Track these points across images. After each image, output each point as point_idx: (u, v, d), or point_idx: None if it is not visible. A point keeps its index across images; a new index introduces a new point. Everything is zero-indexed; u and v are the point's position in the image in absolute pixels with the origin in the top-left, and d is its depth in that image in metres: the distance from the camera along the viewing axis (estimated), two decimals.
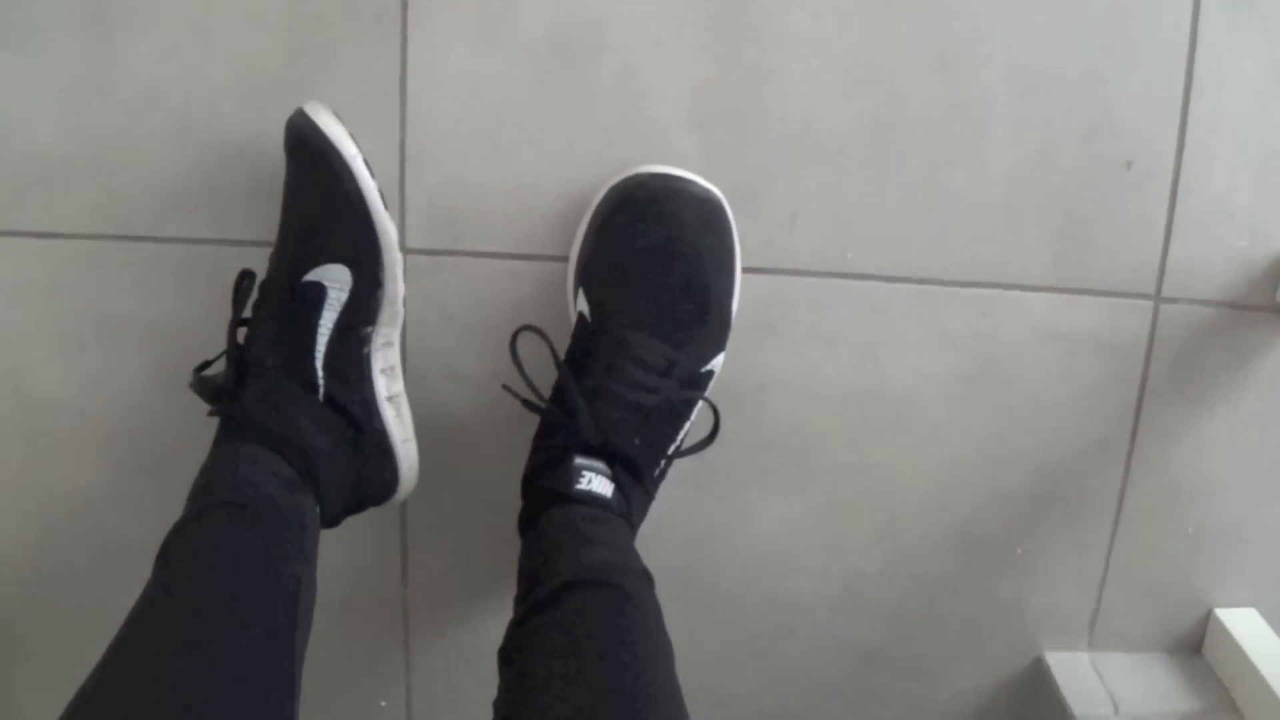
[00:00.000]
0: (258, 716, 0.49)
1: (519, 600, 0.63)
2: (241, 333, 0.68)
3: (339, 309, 0.67)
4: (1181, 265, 0.76)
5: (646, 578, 0.62)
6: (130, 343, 0.77)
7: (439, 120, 0.72)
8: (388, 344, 0.72)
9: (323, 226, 0.66)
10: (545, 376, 0.69)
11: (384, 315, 0.70)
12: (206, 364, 0.69)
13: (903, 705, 0.90)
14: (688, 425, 0.71)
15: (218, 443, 0.66)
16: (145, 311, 0.76)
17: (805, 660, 0.87)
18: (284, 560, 0.58)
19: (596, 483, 0.66)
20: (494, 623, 0.66)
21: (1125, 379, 0.79)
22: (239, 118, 0.72)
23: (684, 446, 0.70)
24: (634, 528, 0.69)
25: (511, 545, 0.69)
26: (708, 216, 0.68)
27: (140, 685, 0.47)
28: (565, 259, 0.73)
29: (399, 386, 0.73)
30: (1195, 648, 0.87)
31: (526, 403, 0.69)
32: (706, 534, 0.83)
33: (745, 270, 0.72)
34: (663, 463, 0.70)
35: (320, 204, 0.66)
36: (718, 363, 0.71)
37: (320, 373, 0.67)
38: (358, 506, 0.73)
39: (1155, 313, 0.77)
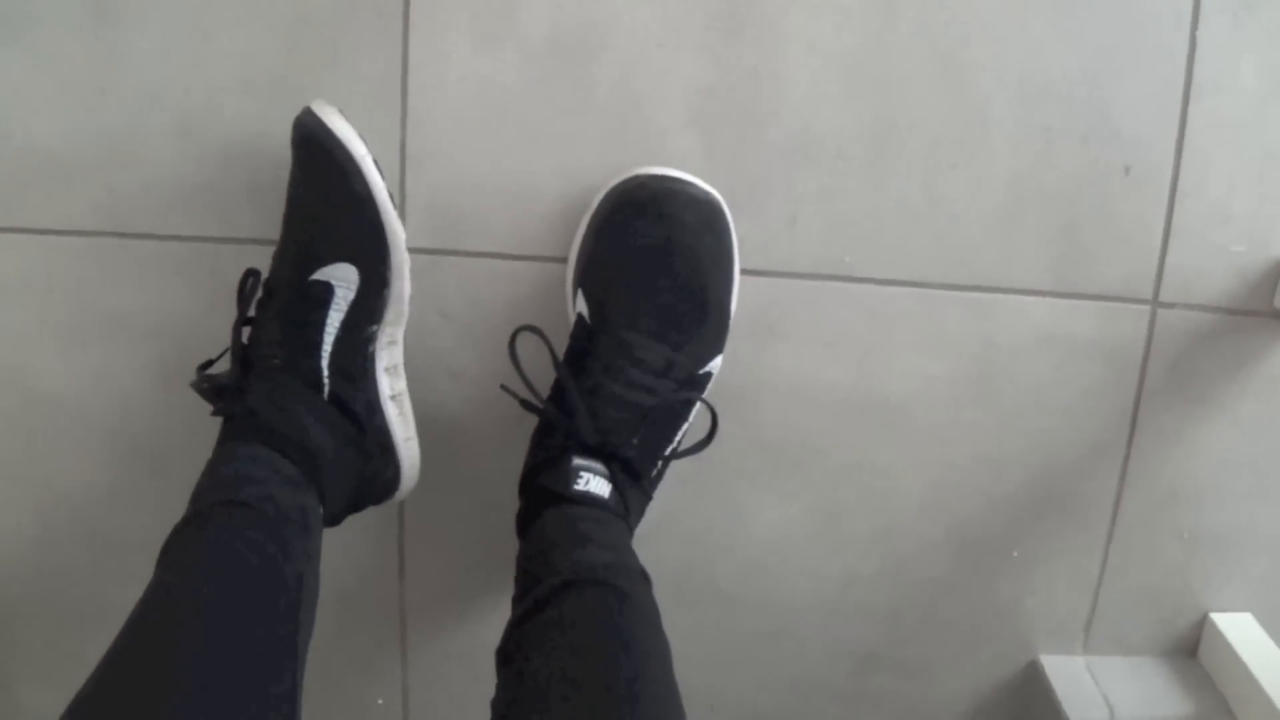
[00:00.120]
0: (260, 717, 0.49)
1: (517, 600, 0.63)
2: (245, 332, 0.68)
3: (345, 308, 0.67)
4: (1179, 270, 0.76)
5: (644, 578, 0.62)
6: (131, 340, 0.77)
7: (440, 120, 0.72)
8: (392, 342, 0.72)
9: (331, 226, 0.66)
10: (544, 377, 0.69)
11: (389, 314, 0.70)
12: (209, 363, 0.68)
13: (898, 707, 0.90)
14: (686, 426, 0.71)
15: (221, 441, 0.66)
16: (146, 309, 0.76)
17: (802, 661, 0.88)
18: (287, 560, 0.58)
19: (594, 483, 0.66)
20: (491, 621, 0.66)
21: (1122, 383, 0.79)
22: (240, 116, 0.72)
23: (682, 447, 0.70)
24: (631, 528, 0.69)
25: (509, 544, 0.70)
26: (707, 218, 0.69)
27: (142, 685, 0.47)
28: (565, 260, 0.73)
29: (402, 385, 0.74)
30: (1191, 652, 0.87)
31: (525, 403, 0.69)
32: (704, 535, 0.83)
33: (744, 272, 0.72)
34: (660, 464, 0.70)
35: (329, 203, 0.66)
36: (716, 364, 0.71)
37: (326, 371, 0.67)
38: (359, 505, 0.73)
39: (1153, 317, 0.77)
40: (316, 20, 0.70)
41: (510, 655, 0.57)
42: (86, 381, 0.78)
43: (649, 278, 0.68)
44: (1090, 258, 0.76)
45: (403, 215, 0.73)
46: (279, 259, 0.68)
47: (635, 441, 0.67)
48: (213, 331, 0.71)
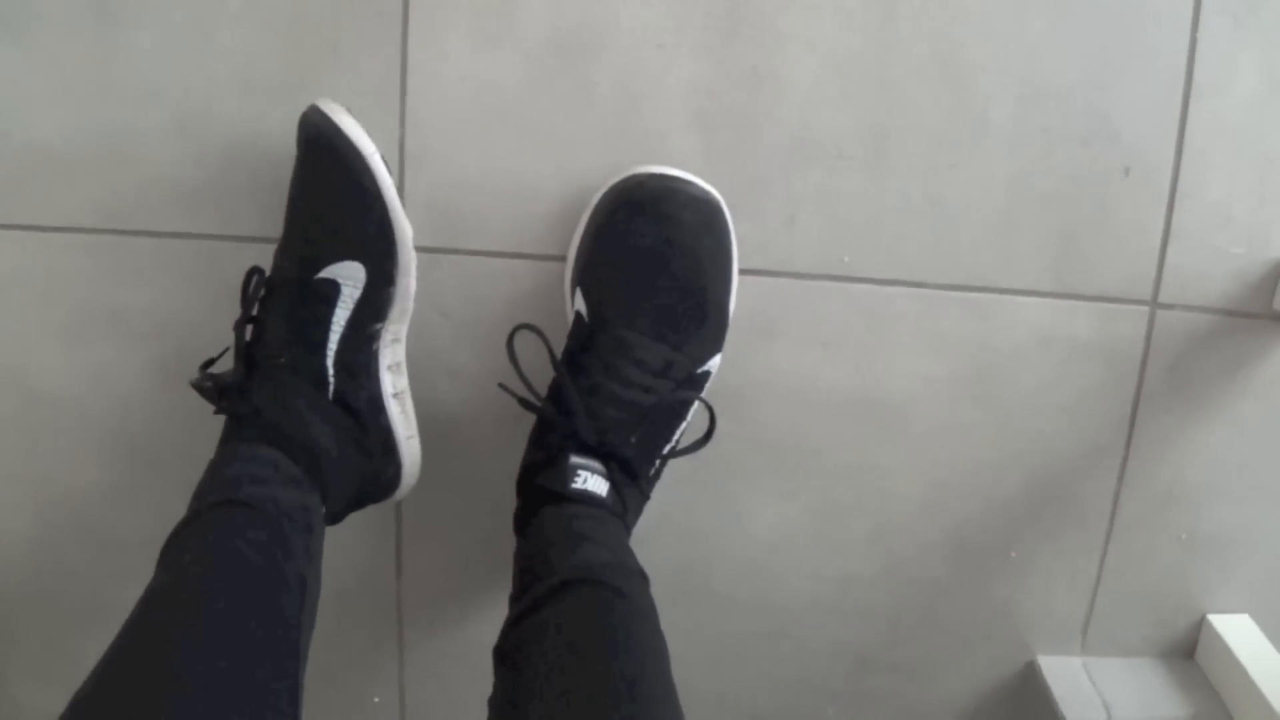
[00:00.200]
0: (260, 717, 0.49)
1: (514, 598, 0.63)
2: (248, 330, 0.68)
3: (352, 306, 0.67)
4: (1178, 272, 0.76)
5: (642, 577, 0.62)
6: (130, 338, 0.77)
7: (439, 119, 0.72)
8: (395, 340, 0.72)
9: (338, 223, 0.66)
10: (542, 375, 0.69)
11: (394, 311, 0.70)
12: (211, 361, 0.68)
13: (896, 707, 0.90)
14: (684, 426, 0.71)
15: (224, 441, 0.65)
16: (145, 307, 0.76)
17: (798, 662, 0.88)
18: (289, 560, 0.58)
19: (592, 482, 0.66)
20: (488, 620, 0.66)
21: (1121, 385, 0.79)
22: (240, 114, 0.72)
23: (680, 447, 0.70)
24: (629, 527, 0.69)
25: (506, 543, 0.70)
26: (706, 217, 0.69)
27: (142, 685, 0.47)
28: (564, 258, 0.73)
29: (404, 383, 0.74)
30: (1188, 653, 0.87)
31: (523, 401, 0.69)
32: (701, 535, 0.83)
33: (743, 272, 0.72)
34: (658, 463, 0.70)
35: (336, 201, 0.66)
36: (714, 364, 0.71)
37: (331, 370, 0.67)
38: (359, 503, 0.73)
39: (1151, 319, 0.77)
40: (316, 19, 0.70)
41: (507, 654, 0.57)
42: (85, 380, 0.78)
43: (648, 277, 0.68)
44: (1089, 259, 0.76)
45: None
46: (282, 256, 0.68)
47: (633, 440, 0.67)
48: (213, 330, 0.71)
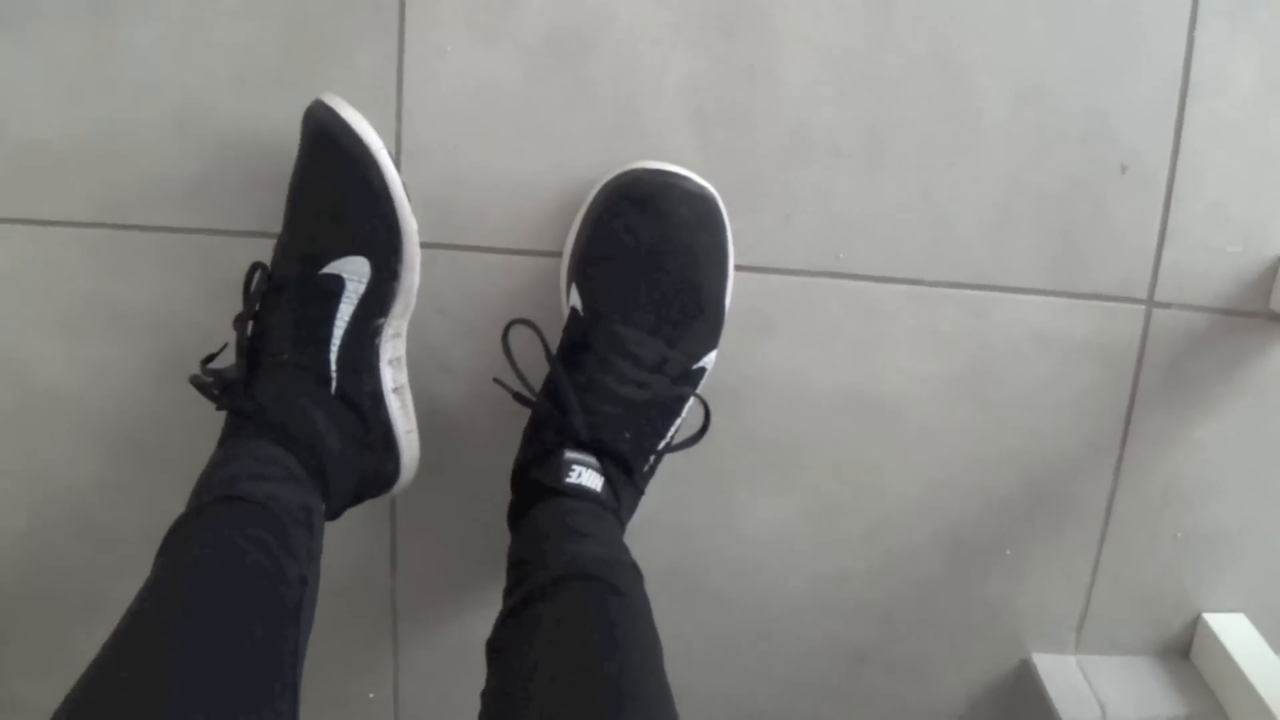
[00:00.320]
0: (259, 715, 0.49)
1: (508, 593, 0.63)
2: (249, 326, 0.67)
3: (355, 302, 0.67)
4: (1175, 270, 0.76)
5: (636, 572, 0.62)
6: (127, 333, 0.77)
7: (435, 115, 0.72)
8: (396, 335, 0.72)
9: (344, 219, 0.66)
10: (537, 371, 0.69)
11: (397, 307, 0.70)
12: (211, 357, 0.68)
13: (890, 705, 0.90)
14: (679, 422, 0.71)
15: (227, 437, 0.65)
16: (142, 302, 0.76)
17: (792, 659, 0.88)
18: (290, 558, 0.57)
19: (586, 477, 0.66)
20: (483, 615, 0.66)
21: (1117, 383, 0.79)
22: (237, 109, 0.72)
23: (674, 442, 0.70)
24: (623, 523, 0.69)
25: (501, 538, 0.70)
26: (702, 213, 0.69)
27: (139, 682, 0.47)
28: (560, 254, 0.73)
29: (404, 378, 0.74)
30: (1183, 652, 0.87)
31: (518, 396, 0.69)
32: (696, 532, 0.83)
33: (738, 268, 0.72)
34: (653, 459, 0.70)
35: (342, 196, 0.66)
36: (710, 360, 0.71)
37: (334, 366, 0.67)
38: (358, 498, 0.73)
39: (1148, 317, 0.77)
40: (313, 14, 0.70)
41: (501, 647, 0.57)
42: (84, 375, 0.78)
43: (643, 272, 0.68)
44: (1086, 257, 0.76)
45: None
46: (284, 252, 0.68)
47: (628, 436, 0.67)
48: (210, 324, 0.71)
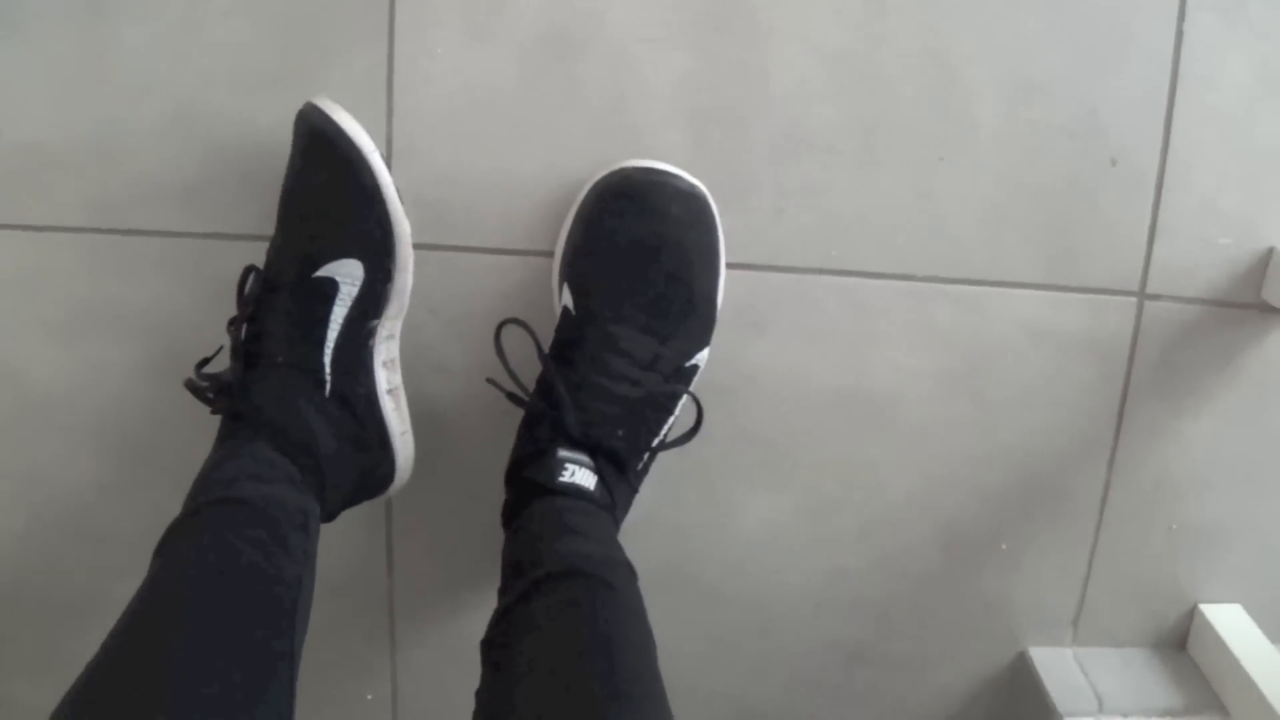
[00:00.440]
0: (256, 716, 0.49)
1: (502, 591, 0.63)
2: (244, 328, 0.67)
3: (349, 304, 0.67)
4: (1166, 263, 0.76)
5: (629, 570, 0.62)
6: (121, 336, 0.77)
7: (426, 115, 0.72)
8: (390, 336, 0.72)
9: (337, 221, 0.66)
10: (530, 370, 0.69)
11: (391, 308, 0.70)
12: (206, 360, 0.68)
13: (887, 701, 0.90)
14: (672, 420, 0.71)
15: (223, 439, 0.65)
16: (137, 305, 0.76)
17: (789, 656, 0.88)
18: (286, 559, 0.57)
19: (580, 475, 0.66)
20: (479, 614, 0.66)
21: (1110, 376, 0.79)
22: (230, 110, 0.72)
23: (667, 440, 0.71)
24: (618, 521, 0.69)
25: (497, 537, 0.70)
26: (694, 211, 0.69)
27: (136, 684, 0.47)
28: (551, 254, 0.73)
29: (398, 379, 0.74)
30: (1180, 643, 0.87)
31: (511, 395, 0.69)
32: (690, 530, 0.83)
33: (730, 265, 0.73)
34: (646, 456, 0.70)
35: (335, 198, 0.66)
36: (702, 357, 0.71)
37: (329, 368, 0.67)
38: (353, 500, 0.73)
39: (1140, 310, 0.77)
40: (304, 14, 0.70)
41: (494, 646, 0.58)
42: (79, 378, 0.78)
43: (635, 271, 0.68)
44: (1077, 251, 0.76)
45: None
46: (278, 254, 0.68)
47: (621, 434, 0.67)
48: (207, 327, 0.71)
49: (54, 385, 0.78)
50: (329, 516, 0.69)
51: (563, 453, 0.66)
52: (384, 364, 0.72)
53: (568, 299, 0.70)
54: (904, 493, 0.82)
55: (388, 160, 0.72)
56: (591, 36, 0.71)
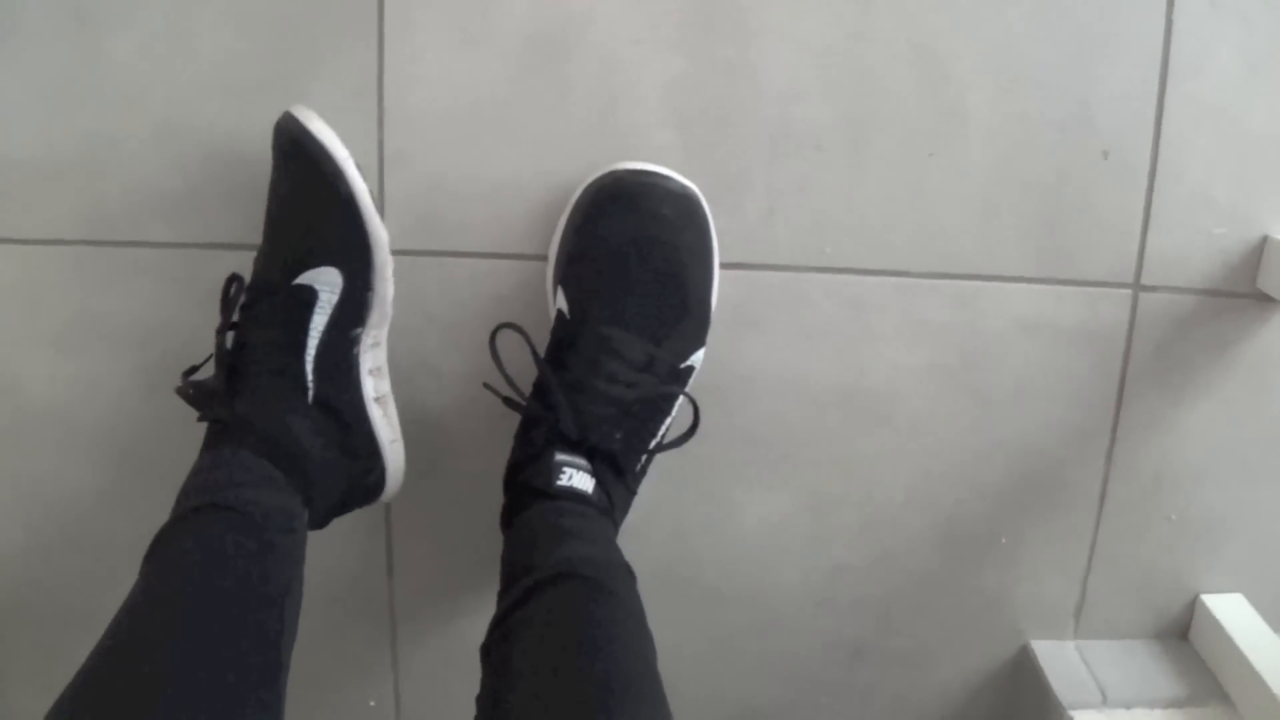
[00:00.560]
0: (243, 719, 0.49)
1: (501, 595, 0.63)
2: (229, 337, 0.68)
3: (330, 311, 0.67)
4: (1160, 254, 0.76)
5: (628, 572, 0.62)
6: (114, 347, 0.77)
7: (417, 120, 0.72)
8: (376, 344, 0.72)
9: (314, 229, 0.67)
10: (526, 374, 0.69)
11: (373, 316, 0.70)
12: (194, 369, 0.68)
13: (889, 697, 0.90)
14: (669, 421, 0.71)
15: (207, 446, 0.65)
16: (129, 316, 0.76)
17: (790, 654, 0.88)
18: (273, 564, 0.58)
19: (577, 478, 0.66)
20: (480, 618, 0.66)
21: (1106, 368, 0.79)
22: (219, 120, 0.72)
23: (664, 442, 0.70)
24: (616, 524, 0.69)
25: (497, 541, 0.70)
26: (686, 212, 0.69)
27: (124, 691, 0.47)
28: (544, 257, 0.73)
29: (386, 387, 0.74)
30: (1182, 634, 0.87)
31: (507, 400, 0.69)
32: (689, 529, 0.83)
33: (723, 265, 0.73)
34: (644, 458, 0.70)
35: (312, 207, 0.66)
36: (698, 358, 0.71)
37: (311, 375, 0.67)
38: (344, 507, 0.73)
39: (1135, 301, 0.77)
40: (293, 22, 0.70)
41: (493, 650, 0.58)
42: (72, 388, 0.78)
43: (628, 273, 0.68)
44: (1071, 243, 0.76)
45: (381, 217, 0.73)
46: (262, 263, 0.68)
47: (618, 436, 0.67)
48: (196, 337, 0.71)
49: (50, 396, 0.78)
50: (319, 523, 0.69)
51: (560, 456, 0.66)
52: (370, 372, 0.72)
53: (562, 302, 0.70)
54: (903, 489, 0.82)
55: (380, 167, 0.72)
56: (581, 39, 0.71)
